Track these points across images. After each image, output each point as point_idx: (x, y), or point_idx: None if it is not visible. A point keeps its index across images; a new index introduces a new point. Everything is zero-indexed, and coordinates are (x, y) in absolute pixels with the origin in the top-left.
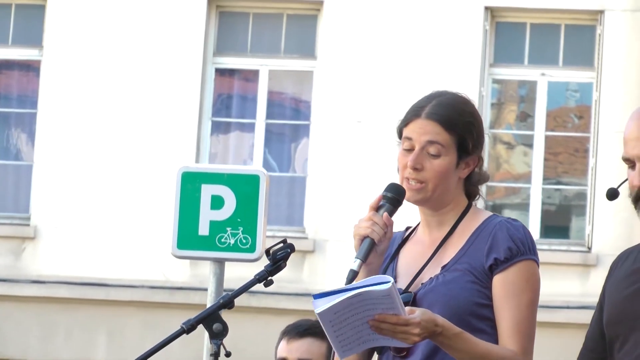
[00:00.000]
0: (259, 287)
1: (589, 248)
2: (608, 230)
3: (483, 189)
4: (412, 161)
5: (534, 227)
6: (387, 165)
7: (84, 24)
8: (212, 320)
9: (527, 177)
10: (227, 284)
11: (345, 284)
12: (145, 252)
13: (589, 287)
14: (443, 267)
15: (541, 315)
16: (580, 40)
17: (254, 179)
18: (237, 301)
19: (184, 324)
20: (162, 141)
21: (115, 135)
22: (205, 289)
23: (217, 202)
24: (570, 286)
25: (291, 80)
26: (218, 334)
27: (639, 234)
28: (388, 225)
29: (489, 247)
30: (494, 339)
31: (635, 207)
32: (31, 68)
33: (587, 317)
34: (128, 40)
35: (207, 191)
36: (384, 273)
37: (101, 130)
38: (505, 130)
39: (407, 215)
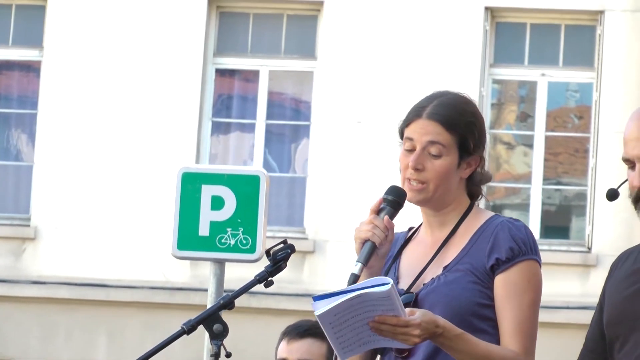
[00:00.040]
0: (259, 287)
1: (589, 248)
2: (608, 230)
3: (484, 189)
4: (413, 162)
5: (534, 228)
6: (388, 166)
7: (84, 25)
8: (212, 321)
9: (527, 178)
10: (227, 285)
11: None
12: (145, 252)
13: (589, 287)
14: (445, 268)
15: (541, 316)
16: (580, 40)
17: (254, 180)
18: (238, 302)
19: (184, 324)
20: (163, 142)
21: (116, 136)
22: (206, 290)
23: (217, 203)
24: (570, 286)
25: (291, 80)
26: (218, 335)
27: (639, 234)
28: (389, 228)
29: (490, 247)
30: (496, 339)
31: (635, 208)
32: (31, 69)
33: (587, 317)
34: (128, 41)
35: (208, 192)
36: (387, 274)
37: (101, 131)
38: (506, 131)
39: (409, 216)
